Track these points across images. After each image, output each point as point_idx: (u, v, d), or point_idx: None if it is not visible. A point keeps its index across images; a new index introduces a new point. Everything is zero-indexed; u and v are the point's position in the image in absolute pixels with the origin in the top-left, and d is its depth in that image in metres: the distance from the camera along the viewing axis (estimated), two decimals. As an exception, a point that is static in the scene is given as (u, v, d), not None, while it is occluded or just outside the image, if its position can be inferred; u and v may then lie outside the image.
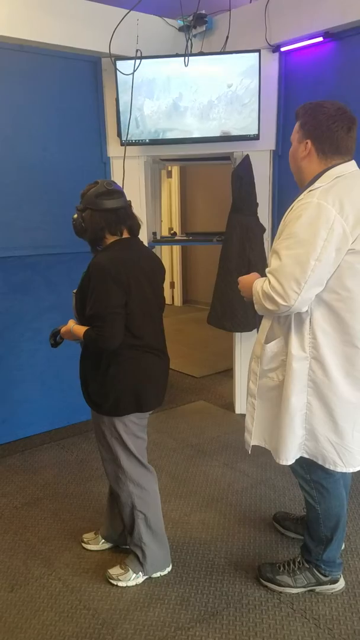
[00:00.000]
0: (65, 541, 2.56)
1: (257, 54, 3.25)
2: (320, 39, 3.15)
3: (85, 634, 2.02)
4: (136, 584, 2.25)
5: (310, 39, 3.20)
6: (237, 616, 2.08)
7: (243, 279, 2.02)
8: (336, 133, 1.82)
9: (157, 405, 2.18)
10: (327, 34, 3.11)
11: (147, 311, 2.07)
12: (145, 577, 2.27)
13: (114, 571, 2.29)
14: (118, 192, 2.07)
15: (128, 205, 2.10)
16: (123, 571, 2.27)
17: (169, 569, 2.32)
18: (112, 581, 2.26)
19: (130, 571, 2.26)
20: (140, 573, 2.26)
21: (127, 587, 2.24)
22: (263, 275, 1.92)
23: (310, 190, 1.80)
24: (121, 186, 2.14)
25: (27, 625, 2.07)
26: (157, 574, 2.29)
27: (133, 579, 2.25)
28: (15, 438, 3.59)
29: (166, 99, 3.38)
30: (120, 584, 2.25)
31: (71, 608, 2.14)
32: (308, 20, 3.13)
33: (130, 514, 2.21)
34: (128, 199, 2.13)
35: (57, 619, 2.09)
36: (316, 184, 1.80)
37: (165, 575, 2.30)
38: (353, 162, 1.88)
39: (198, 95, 3.36)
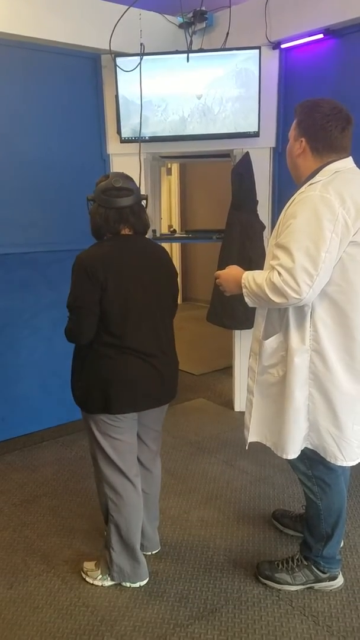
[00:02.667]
0: (65, 538, 2.56)
1: (257, 51, 3.24)
2: (321, 35, 3.14)
3: (84, 631, 2.02)
4: (102, 585, 2.22)
5: (310, 35, 3.19)
6: (236, 613, 2.08)
7: (225, 274, 2.00)
8: (330, 132, 1.83)
9: (133, 410, 2.06)
10: (328, 31, 3.10)
11: (134, 311, 1.98)
12: (113, 583, 2.22)
13: (88, 565, 2.30)
14: (126, 190, 2.00)
15: (137, 203, 2.04)
16: (94, 568, 2.27)
17: (142, 582, 2.22)
18: (82, 574, 2.28)
19: (99, 571, 2.25)
20: (107, 576, 2.22)
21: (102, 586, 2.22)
22: (249, 269, 1.91)
23: (310, 184, 1.80)
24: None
25: (25, 622, 2.07)
26: (128, 584, 2.22)
27: (99, 579, 2.23)
28: (14, 435, 3.58)
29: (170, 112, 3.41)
30: (87, 579, 2.25)
31: (70, 605, 2.14)
32: (308, 17, 3.12)
33: (106, 514, 2.18)
34: (144, 193, 2.10)
35: (56, 616, 2.09)
36: (317, 177, 1.81)
37: (165, 573, 2.30)
38: (350, 159, 1.89)
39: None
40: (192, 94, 3.37)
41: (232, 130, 3.39)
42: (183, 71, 3.32)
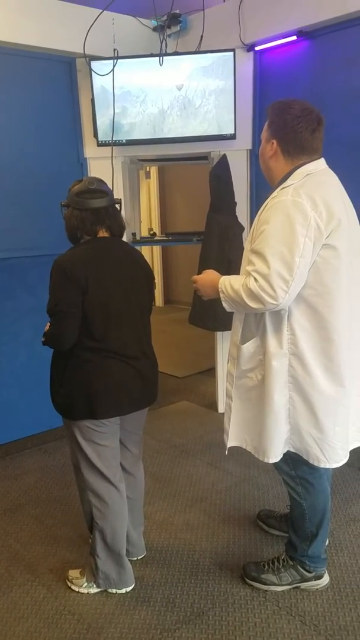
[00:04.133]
0: (49, 547, 2.53)
1: (231, 53, 3.25)
2: (294, 37, 3.17)
3: (70, 639, 2.00)
4: (88, 593, 2.21)
5: (284, 37, 3.21)
6: (223, 616, 2.08)
7: (202, 279, 2.01)
8: (300, 134, 1.84)
9: (118, 414, 2.05)
10: (301, 33, 3.13)
11: (114, 314, 1.97)
12: (99, 590, 2.21)
13: (73, 573, 2.27)
14: (100, 192, 2.00)
15: (112, 205, 2.04)
16: (80, 576, 2.25)
17: (128, 588, 2.21)
18: (67, 582, 2.26)
19: (84, 579, 2.23)
20: (92, 583, 2.21)
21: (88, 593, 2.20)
22: (228, 273, 1.92)
23: (282, 188, 1.81)
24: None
25: (10, 632, 2.04)
26: (114, 591, 2.20)
27: (85, 587, 2.21)
28: (-4, 443, 3.54)
29: (147, 108, 3.39)
30: (73, 587, 2.23)
31: (56, 614, 2.12)
32: (282, 19, 3.15)
33: (90, 522, 2.16)
34: (117, 197, 2.10)
35: (42, 625, 2.06)
36: (288, 181, 1.81)
37: (151, 578, 2.29)
38: (322, 160, 1.90)
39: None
40: (172, 86, 3.36)
41: (212, 126, 3.39)
42: (161, 73, 3.32)
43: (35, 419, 3.64)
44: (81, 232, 2.01)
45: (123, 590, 2.21)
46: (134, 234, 4.12)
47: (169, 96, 3.38)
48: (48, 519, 2.74)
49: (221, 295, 1.88)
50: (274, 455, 1.96)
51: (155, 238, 4.97)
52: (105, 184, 2.06)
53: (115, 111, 3.39)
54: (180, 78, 3.34)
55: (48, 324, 2.05)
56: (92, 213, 1.99)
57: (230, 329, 1.98)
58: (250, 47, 3.38)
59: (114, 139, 3.43)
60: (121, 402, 2.04)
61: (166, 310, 7.78)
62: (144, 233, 5.10)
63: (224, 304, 1.89)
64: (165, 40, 3.50)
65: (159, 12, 3.45)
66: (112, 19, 3.33)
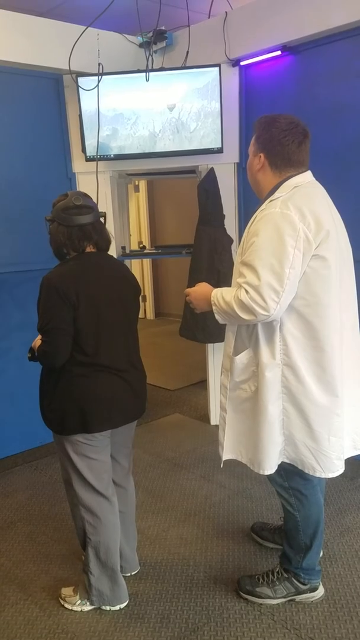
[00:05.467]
0: (41, 564, 2.50)
1: (217, 68, 3.29)
2: (279, 52, 3.21)
3: (63, 659, 1.97)
4: (82, 611, 2.18)
5: (268, 52, 3.26)
6: (219, 631, 2.06)
7: (195, 292, 2.02)
8: (287, 147, 1.87)
9: (111, 427, 2.05)
10: (285, 48, 3.17)
11: (105, 328, 1.98)
12: (92, 607, 2.18)
13: (66, 591, 2.25)
14: (87, 208, 2.00)
15: (97, 220, 2.05)
16: (73, 594, 2.22)
17: (122, 605, 2.18)
18: (60, 600, 2.23)
19: (78, 596, 2.20)
20: (86, 601, 2.18)
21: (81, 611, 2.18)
22: (218, 286, 1.93)
23: (271, 200, 1.83)
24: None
25: (3, 654, 2.01)
26: (107, 608, 2.18)
27: (78, 604, 2.19)
28: (-14, 461, 3.51)
29: (138, 130, 3.43)
30: (66, 605, 2.21)
31: (49, 632, 2.09)
32: (266, 34, 3.19)
33: (83, 538, 2.14)
34: (102, 210, 2.11)
35: (35, 646, 2.03)
36: (276, 194, 1.84)
37: (145, 594, 2.26)
38: (309, 173, 1.93)
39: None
40: (163, 107, 3.38)
41: (203, 146, 3.42)
42: (149, 88, 3.35)
43: (25, 436, 3.62)
44: (68, 248, 2.02)
45: (117, 607, 2.18)
46: (123, 248, 4.12)
47: (160, 118, 3.40)
48: (40, 537, 2.71)
49: (214, 307, 1.89)
50: (270, 467, 1.96)
51: (145, 251, 4.98)
52: (90, 198, 2.07)
53: (106, 133, 3.41)
54: (171, 98, 3.36)
55: (36, 340, 2.05)
56: (79, 229, 1.99)
57: (221, 341, 2.01)
58: (235, 62, 3.42)
59: (102, 154, 3.45)
60: (113, 415, 2.04)
61: (157, 323, 7.77)
62: (134, 246, 5.12)
63: (217, 316, 1.90)
64: (152, 56, 3.53)
65: (144, 29, 3.49)
66: (97, 35, 3.36)
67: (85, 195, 2.05)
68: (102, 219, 2.09)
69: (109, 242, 2.11)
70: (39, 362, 2.05)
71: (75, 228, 1.98)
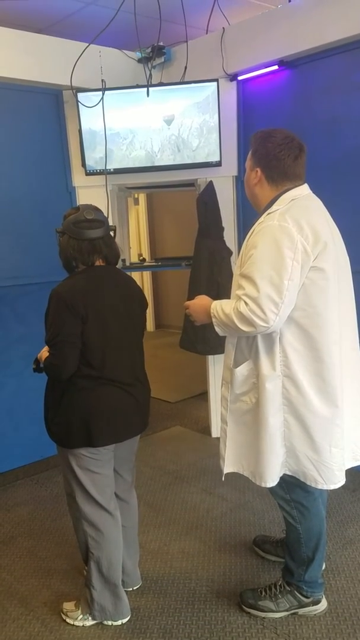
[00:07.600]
0: (43, 579, 2.49)
1: (215, 83, 3.33)
2: (276, 67, 3.25)
3: (65, 675, 1.95)
4: (84, 626, 2.16)
5: (265, 67, 3.30)
6: (221, 645, 2.05)
7: (194, 304, 2.04)
8: (283, 161, 1.89)
9: (116, 441, 2.05)
10: (282, 62, 3.22)
11: (112, 342, 1.99)
12: (94, 622, 2.17)
13: (68, 606, 2.23)
14: (97, 222, 2.01)
15: (107, 234, 2.06)
16: (74, 608, 2.21)
17: (124, 620, 2.17)
18: (62, 615, 2.21)
19: (79, 611, 2.19)
20: (88, 616, 2.17)
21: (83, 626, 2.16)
22: (218, 298, 1.94)
23: (268, 213, 1.85)
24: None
25: (4, 670, 1.99)
26: (110, 623, 2.16)
27: (80, 619, 2.17)
28: (-13, 475, 3.50)
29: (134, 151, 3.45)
30: (68, 620, 2.19)
31: (50, 649, 2.08)
32: (263, 49, 3.23)
33: (85, 552, 2.13)
34: (113, 224, 2.12)
35: (36, 662, 2.02)
36: (274, 207, 1.86)
37: (147, 608, 2.25)
38: (305, 186, 1.96)
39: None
40: (161, 123, 3.41)
41: (202, 159, 3.45)
42: (147, 103, 3.39)
43: (26, 450, 3.61)
44: (77, 261, 2.03)
45: (119, 622, 2.17)
46: (123, 260, 4.14)
47: (159, 136, 3.42)
48: (42, 551, 2.70)
49: (213, 320, 1.90)
50: (271, 480, 1.96)
51: (145, 263, 4.99)
52: (101, 212, 2.08)
53: (99, 155, 3.43)
54: (169, 112, 3.39)
55: (43, 351, 2.05)
56: (89, 243, 2.00)
57: (221, 353, 2.01)
58: (233, 77, 3.46)
59: (102, 168, 3.48)
60: (118, 429, 2.04)
61: (157, 335, 7.77)
62: (134, 259, 5.13)
63: (217, 329, 1.91)
64: (151, 71, 3.57)
65: (143, 45, 3.54)
66: (99, 52, 3.41)
67: (97, 209, 2.06)
68: (112, 233, 2.10)
69: (118, 256, 2.12)
70: (43, 374, 2.06)
71: (86, 242, 2.00)
